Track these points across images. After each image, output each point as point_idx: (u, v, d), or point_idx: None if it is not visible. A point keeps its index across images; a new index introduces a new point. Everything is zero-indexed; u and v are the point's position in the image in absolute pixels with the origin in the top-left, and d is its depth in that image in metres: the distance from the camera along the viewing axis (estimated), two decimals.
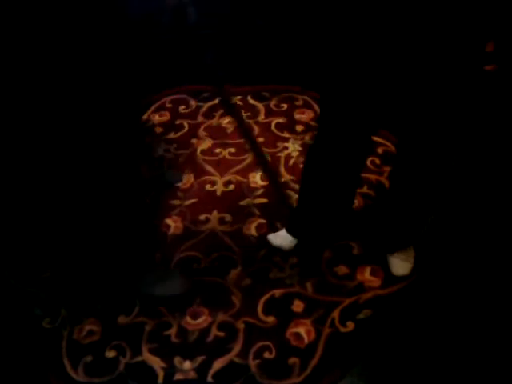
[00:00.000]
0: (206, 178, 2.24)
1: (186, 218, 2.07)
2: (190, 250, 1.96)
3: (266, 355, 1.65)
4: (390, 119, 1.63)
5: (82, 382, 1.63)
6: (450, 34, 1.25)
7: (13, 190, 1.93)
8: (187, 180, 2.23)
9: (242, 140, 2.40)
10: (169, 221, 2.06)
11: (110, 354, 1.68)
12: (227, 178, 2.23)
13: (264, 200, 2.12)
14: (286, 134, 2.42)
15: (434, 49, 1.28)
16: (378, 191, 2.13)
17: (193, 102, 2.66)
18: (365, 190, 2.13)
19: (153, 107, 2.65)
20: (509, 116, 1.91)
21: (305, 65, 2.73)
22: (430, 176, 1.61)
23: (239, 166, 2.27)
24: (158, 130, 2.50)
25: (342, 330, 1.70)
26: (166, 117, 2.58)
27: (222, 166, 2.29)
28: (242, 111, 2.56)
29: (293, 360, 1.63)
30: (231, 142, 2.40)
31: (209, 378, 1.61)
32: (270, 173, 2.22)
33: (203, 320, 1.75)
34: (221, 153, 2.35)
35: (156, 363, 1.65)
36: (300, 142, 2.37)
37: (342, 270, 1.87)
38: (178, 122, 2.55)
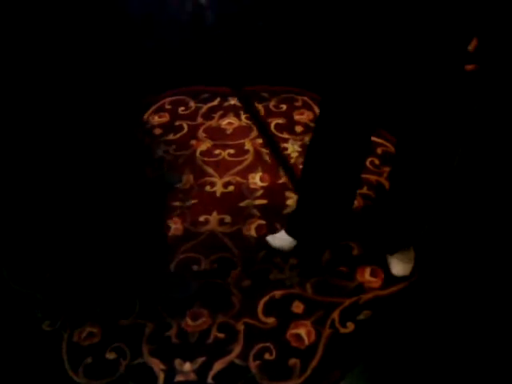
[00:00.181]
0: (206, 179, 2.24)
1: (185, 220, 2.07)
2: (190, 251, 1.96)
3: (267, 356, 1.65)
4: (389, 119, 1.63)
5: (83, 383, 1.63)
6: (436, 33, 1.27)
7: (15, 191, 1.93)
8: (187, 181, 2.23)
9: (241, 141, 2.40)
10: (169, 222, 2.06)
11: (111, 355, 1.68)
12: (227, 179, 2.23)
13: (264, 201, 2.12)
14: (285, 135, 2.42)
15: (422, 47, 1.30)
16: (377, 192, 2.13)
17: (192, 103, 2.66)
18: (364, 190, 2.13)
19: (152, 108, 2.65)
20: (491, 116, 1.92)
21: (304, 66, 2.73)
22: (429, 176, 1.61)
23: (239, 167, 2.27)
24: (158, 131, 2.50)
25: (342, 330, 1.70)
26: (166, 118, 2.58)
27: (222, 167, 2.29)
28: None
29: (293, 361, 1.63)
30: (231, 143, 2.40)
31: (209, 380, 1.60)
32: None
33: (203, 321, 1.75)
34: (220, 154, 2.35)
35: (156, 365, 1.65)
36: (299, 143, 2.37)
37: (342, 270, 1.87)
38: (177, 123, 2.54)
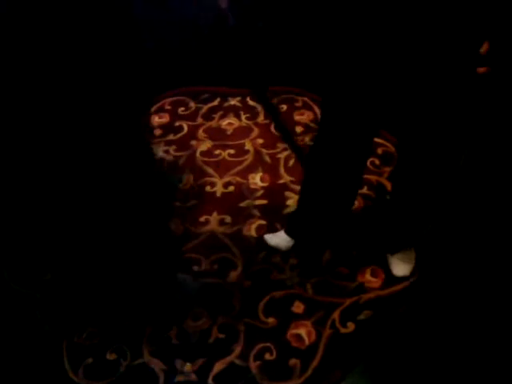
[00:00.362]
0: (206, 179, 2.24)
1: (186, 220, 2.07)
2: (190, 251, 1.96)
3: (267, 357, 1.65)
4: (390, 120, 1.63)
5: None
6: (445, 34, 1.26)
7: (16, 191, 1.93)
8: (187, 181, 2.23)
9: (241, 141, 2.40)
10: (169, 222, 2.06)
11: (111, 356, 1.68)
12: (227, 179, 2.23)
13: (264, 201, 2.12)
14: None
15: (431, 49, 1.29)
16: (378, 192, 2.13)
17: (192, 104, 2.66)
18: (365, 190, 2.13)
19: (152, 109, 2.64)
20: (502, 119, 1.92)
21: (304, 66, 2.73)
22: (434, 177, 1.60)
23: (239, 168, 2.27)
24: (158, 131, 2.50)
25: (343, 330, 1.70)
26: (166, 118, 2.58)
27: (222, 167, 2.29)
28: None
29: (293, 361, 1.63)
30: (231, 143, 2.40)
31: (209, 380, 1.60)
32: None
33: (204, 322, 1.75)
34: (220, 154, 2.35)
35: (157, 365, 1.65)
36: (300, 144, 2.36)
37: (343, 270, 1.87)
38: (177, 123, 2.54)
